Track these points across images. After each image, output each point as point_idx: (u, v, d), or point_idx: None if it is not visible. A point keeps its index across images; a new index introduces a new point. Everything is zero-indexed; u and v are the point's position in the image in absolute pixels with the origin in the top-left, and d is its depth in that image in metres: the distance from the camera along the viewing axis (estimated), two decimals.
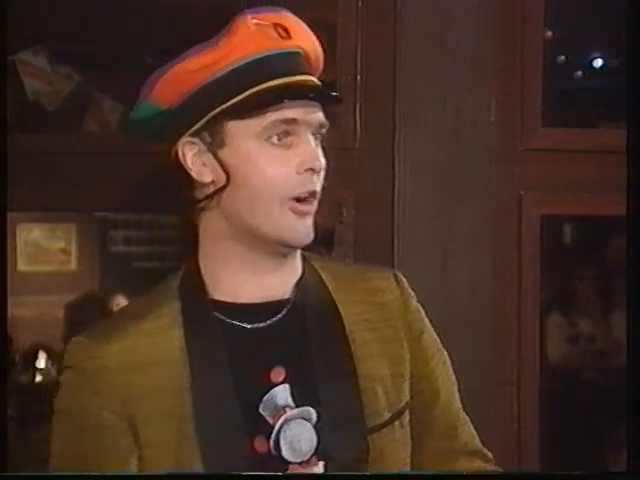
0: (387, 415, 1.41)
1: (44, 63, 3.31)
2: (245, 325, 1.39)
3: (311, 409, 1.36)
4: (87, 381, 1.35)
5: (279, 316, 1.40)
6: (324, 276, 1.47)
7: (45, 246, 6.91)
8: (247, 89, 1.34)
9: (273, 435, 1.35)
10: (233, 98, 1.34)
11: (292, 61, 1.38)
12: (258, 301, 1.40)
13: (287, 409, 1.36)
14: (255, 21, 1.37)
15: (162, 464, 1.33)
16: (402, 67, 2.00)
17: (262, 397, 1.36)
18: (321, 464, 1.36)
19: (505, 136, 2.05)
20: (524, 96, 2.06)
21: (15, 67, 3.17)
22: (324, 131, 1.40)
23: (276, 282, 1.41)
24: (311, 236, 1.38)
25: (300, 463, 1.35)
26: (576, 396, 4.11)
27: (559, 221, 5.31)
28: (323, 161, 1.38)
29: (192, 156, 1.38)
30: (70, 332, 5.17)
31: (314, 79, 1.40)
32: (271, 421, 1.35)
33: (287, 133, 1.35)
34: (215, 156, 1.36)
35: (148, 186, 1.97)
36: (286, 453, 1.35)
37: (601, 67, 5.68)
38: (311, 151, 1.36)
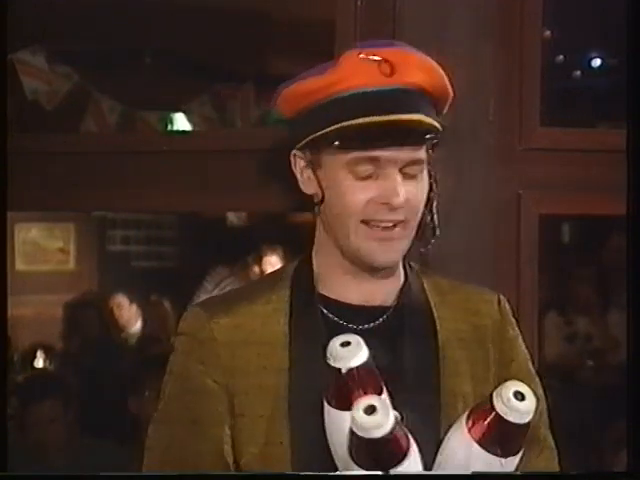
0: None
1: (42, 62, 3.32)
2: (345, 324, 1.46)
3: (397, 413, 1.36)
4: (195, 349, 1.45)
5: (378, 322, 1.47)
6: (427, 288, 1.53)
7: (43, 245, 6.91)
8: (336, 123, 1.39)
9: None
10: (322, 130, 1.40)
11: (389, 98, 1.39)
12: (360, 304, 1.48)
13: None
14: (361, 56, 1.41)
15: (253, 436, 1.42)
16: None
17: None
18: None
19: (504, 136, 2.04)
20: (523, 96, 2.05)
21: (14, 66, 3.18)
22: (417, 167, 1.41)
23: (376, 289, 1.48)
24: (393, 258, 1.45)
25: None
26: (574, 395, 4.11)
27: (558, 221, 5.32)
28: (403, 198, 1.39)
29: (301, 167, 1.48)
30: (69, 331, 5.17)
31: (412, 116, 1.39)
32: None
33: (371, 167, 1.39)
34: (314, 173, 1.45)
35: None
36: None
37: (599, 66, 5.69)
38: (391, 188, 1.39)
